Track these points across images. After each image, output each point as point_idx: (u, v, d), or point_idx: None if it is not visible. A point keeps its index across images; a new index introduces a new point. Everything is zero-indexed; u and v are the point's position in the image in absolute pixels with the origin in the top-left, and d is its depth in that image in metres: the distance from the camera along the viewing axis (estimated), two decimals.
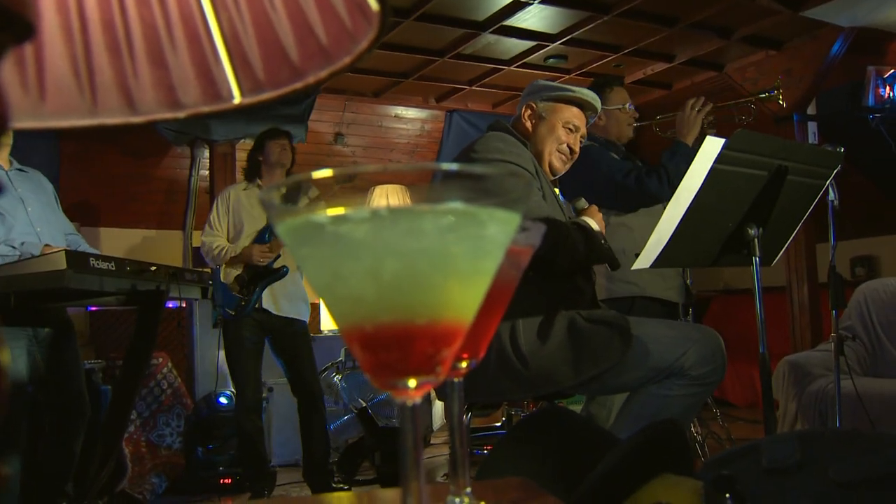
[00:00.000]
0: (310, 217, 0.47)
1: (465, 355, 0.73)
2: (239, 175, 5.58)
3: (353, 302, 0.48)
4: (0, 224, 3.01)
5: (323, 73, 0.61)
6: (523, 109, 2.62)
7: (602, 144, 3.45)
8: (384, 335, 0.48)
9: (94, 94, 0.67)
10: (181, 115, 0.68)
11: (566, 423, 1.16)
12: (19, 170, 3.27)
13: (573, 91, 2.57)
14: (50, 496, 2.99)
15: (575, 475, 1.03)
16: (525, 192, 0.52)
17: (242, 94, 0.66)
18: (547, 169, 2.56)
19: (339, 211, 0.45)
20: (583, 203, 2.56)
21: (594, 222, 2.45)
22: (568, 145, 2.55)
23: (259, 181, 4.15)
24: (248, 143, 5.16)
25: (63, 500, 3.05)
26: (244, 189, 4.19)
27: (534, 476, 1.04)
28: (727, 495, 1.01)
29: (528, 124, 2.59)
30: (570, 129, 2.55)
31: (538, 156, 2.55)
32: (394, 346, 0.49)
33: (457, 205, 0.47)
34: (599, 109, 2.65)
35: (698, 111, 3.32)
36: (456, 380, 0.74)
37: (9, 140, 3.17)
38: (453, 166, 0.48)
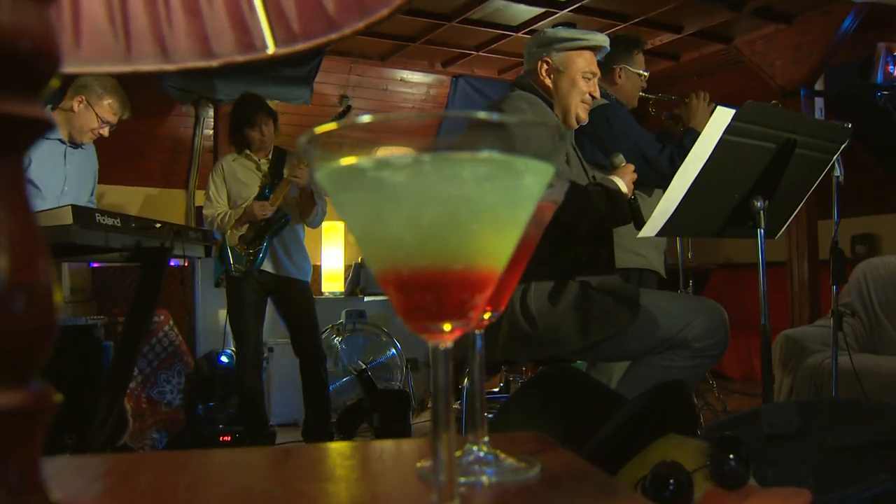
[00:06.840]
0: (352, 162, 0.48)
1: (487, 307, 0.74)
2: None
3: (392, 246, 0.49)
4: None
5: (360, 24, 0.61)
6: (539, 65, 2.56)
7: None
8: (420, 279, 0.50)
9: (129, 41, 0.68)
10: (214, 63, 0.68)
11: (573, 383, 1.18)
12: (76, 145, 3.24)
13: (586, 39, 2.53)
14: None
15: (582, 433, 1.06)
16: (554, 146, 0.53)
17: (276, 44, 0.67)
18: (573, 121, 2.55)
19: (381, 156, 0.47)
20: (620, 160, 2.54)
21: (622, 182, 2.43)
22: (590, 93, 2.54)
23: (248, 151, 4.20)
24: None
25: (65, 453, 3.08)
26: (234, 160, 4.25)
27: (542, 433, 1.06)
28: (731, 456, 1.03)
29: (548, 80, 2.55)
30: (587, 77, 2.53)
31: (564, 111, 2.54)
32: (429, 290, 0.50)
33: (494, 153, 0.48)
34: (608, 46, 2.60)
35: (708, 103, 3.33)
36: (477, 331, 0.76)
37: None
38: (494, 115, 0.49)
